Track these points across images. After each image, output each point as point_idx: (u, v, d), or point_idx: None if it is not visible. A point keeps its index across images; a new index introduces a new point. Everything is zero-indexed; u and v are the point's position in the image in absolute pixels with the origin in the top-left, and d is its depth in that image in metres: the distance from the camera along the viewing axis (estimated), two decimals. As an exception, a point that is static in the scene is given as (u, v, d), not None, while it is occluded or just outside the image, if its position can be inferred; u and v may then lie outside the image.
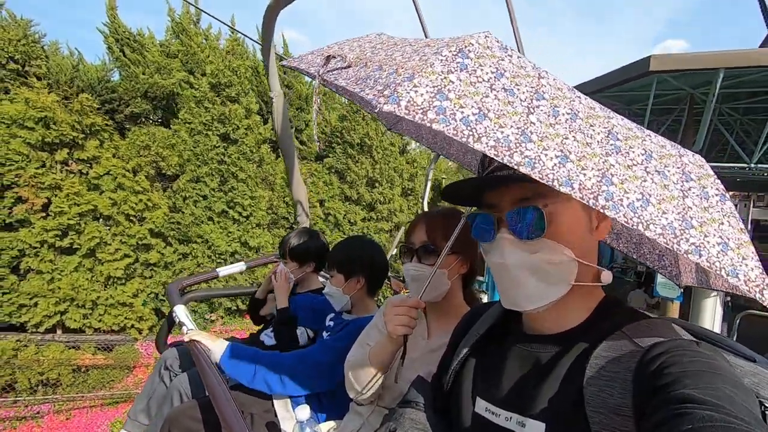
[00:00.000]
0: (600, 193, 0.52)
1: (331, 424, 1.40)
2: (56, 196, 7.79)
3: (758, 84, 8.03)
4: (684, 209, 0.57)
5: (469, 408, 0.75)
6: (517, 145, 0.53)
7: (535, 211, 0.63)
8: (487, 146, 0.52)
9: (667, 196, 0.57)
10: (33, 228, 7.67)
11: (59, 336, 8.42)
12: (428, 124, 0.54)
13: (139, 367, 8.53)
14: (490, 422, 0.69)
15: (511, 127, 0.55)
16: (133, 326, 9.12)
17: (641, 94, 9.90)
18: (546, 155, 0.53)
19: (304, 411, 1.12)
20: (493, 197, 0.70)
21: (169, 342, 2.22)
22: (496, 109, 0.56)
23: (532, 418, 0.63)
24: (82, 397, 7.69)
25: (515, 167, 0.52)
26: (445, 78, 0.57)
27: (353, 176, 13.72)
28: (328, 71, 0.94)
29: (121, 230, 8.50)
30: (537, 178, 0.51)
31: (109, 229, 8.32)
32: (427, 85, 0.56)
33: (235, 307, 11.24)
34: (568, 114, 0.60)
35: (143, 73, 10.80)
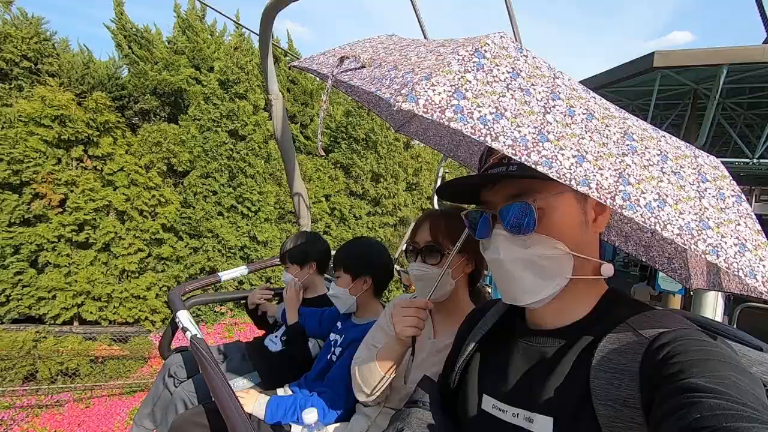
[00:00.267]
0: (617, 193, 0.52)
1: (338, 426, 1.39)
2: (72, 192, 7.99)
3: (763, 79, 8.11)
4: (700, 210, 0.57)
5: (476, 405, 0.74)
6: (534, 144, 0.54)
7: (526, 206, 0.64)
8: (505, 145, 0.53)
9: (683, 196, 0.57)
10: (50, 223, 7.88)
11: (76, 328, 8.68)
12: (446, 123, 0.54)
13: (154, 357, 8.78)
14: (498, 419, 0.69)
15: (528, 126, 0.55)
16: (146, 318, 9.37)
17: (645, 89, 10.01)
18: (563, 155, 0.54)
19: (311, 414, 1.09)
20: (488, 195, 0.71)
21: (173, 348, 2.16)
22: (512, 109, 0.56)
23: (540, 413, 0.63)
24: (100, 386, 7.96)
25: (533, 166, 0.52)
26: (462, 77, 0.58)
27: (358, 171, 13.88)
28: (342, 72, 0.94)
29: (135, 225, 8.71)
30: (554, 178, 0.52)
31: (123, 224, 8.52)
32: (444, 84, 0.56)
33: (245, 300, 11.49)
34: (584, 114, 0.60)
35: (152, 70, 10.95)
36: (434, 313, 1.20)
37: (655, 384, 0.51)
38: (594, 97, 0.65)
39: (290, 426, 1.42)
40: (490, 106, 0.55)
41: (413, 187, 15.46)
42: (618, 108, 0.68)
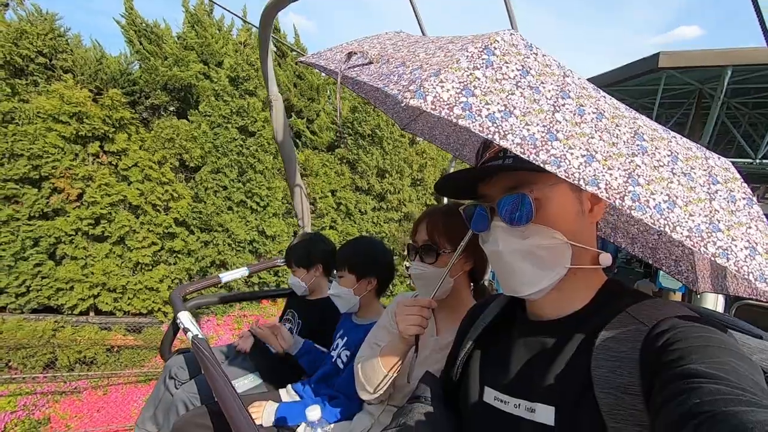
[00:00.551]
0: (626, 194, 0.52)
1: (343, 424, 1.39)
2: (89, 186, 8.22)
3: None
4: (711, 212, 0.56)
5: (478, 398, 0.75)
6: (543, 143, 0.54)
7: (522, 197, 0.65)
8: (513, 143, 0.53)
9: (693, 198, 0.57)
10: (68, 217, 8.13)
11: (92, 318, 8.96)
12: (454, 120, 0.54)
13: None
14: (500, 410, 0.70)
15: (537, 125, 0.55)
16: (159, 309, 9.66)
17: (650, 88, 10.10)
18: (572, 154, 0.53)
19: (315, 412, 1.10)
20: (486, 188, 0.71)
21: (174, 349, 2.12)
22: (521, 107, 0.56)
23: (541, 403, 0.63)
24: (116, 374, 8.26)
25: (541, 165, 0.52)
26: (471, 74, 0.58)
27: (364, 167, 14.06)
28: (350, 67, 0.94)
29: (149, 219, 8.95)
30: (563, 177, 0.52)
31: (137, 218, 8.77)
32: (453, 81, 0.56)
33: (246, 300, 11.74)
34: (594, 113, 0.60)
35: (162, 66, 11.12)
36: (437, 311, 1.19)
37: (655, 370, 0.51)
38: (604, 97, 0.65)
39: (295, 426, 1.41)
40: (498, 103, 0.55)
41: (418, 182, 15.63)
42: (628, 108, 0.67)
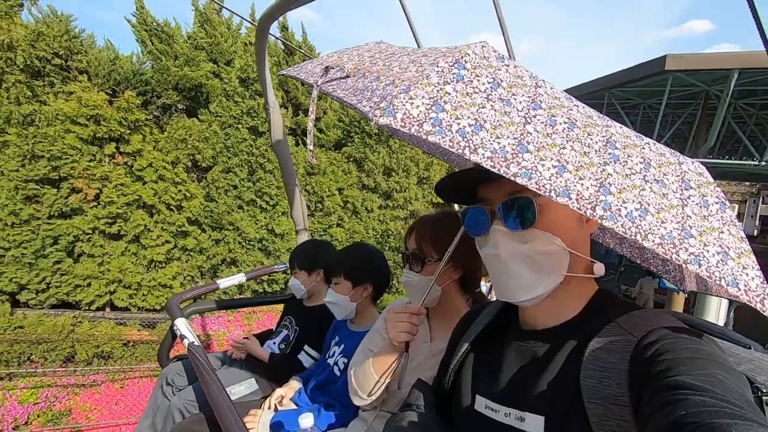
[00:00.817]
0: (598, 203, 0.53)
1: (337, 431, 1.39)
2: (105, 186, 8.45)
3: (775, 81, 8.18)
4: (683, 218, 0.56)
5: (469, 406, 0.75)
6: (514, 155, 0.54)
7: (526, 201, 0.64)
8: (484, 157, 0.53)
9: (666, 205, 0.57)
10: (86, 216, 8.37)
11: (108, 314, 9.25)
12: (424, 137, 0.54)
13: (180, 342, 9.33)
14: (490, 419, 0.70)
15: (508, 137, 0.55)
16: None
17: (657, 89, 10.16)
18: (543, 165, 0.54)
19: (308, 420, 1.10)
20: (486, 191, 0.71)
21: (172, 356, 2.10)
22: (492, 120, 0.56)
23: (531, 412, 0.63)
24: (133, 368, 8.54)
25: (512, 178, 0.52)
26: (441, 89, 0.58)
27: (371, 165, 14.21)
28: (327, 81, 0.93)
29: (163, 218, 9.18)
30: (534, 189, 0.52)
31: (151, 218, 9.00)
32: (423, 97, 0.56)
33: (262, 290, 12.03)
34: (565, 123, 0.60)
35: (174, 65, 11.30)
36: (431, 318, 1.21)
37: (643, 382, 0.51)
38: (577, 106, 0.65)
39: None
40: (469, 117, 0.56)
41: (424, 181, 15.77)
42: (601, 115, 0.68)
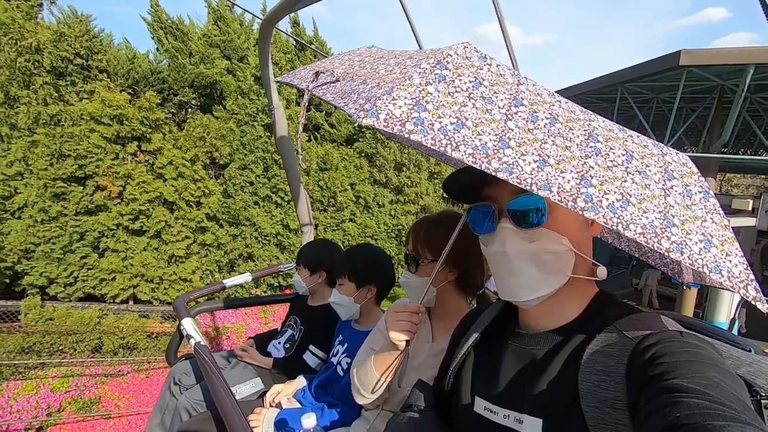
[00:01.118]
0: (579, 195, 0.53)
1: (340, 430, 1.39)
2: (128, 184, 8.72)
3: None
4: (665, 208, 0.57)
5: (469, 408, 0.75)
6: (495, 151, 0.54)
7: (538, 200, 0.64)
8: (465, 154, 0.54)
9: (647, 195, 0.57)
10: (110, 212, 8.66)
11: (131, 306, 9.58)
12: (407, 136, 0.55)
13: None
14: (489, 420, 0.70)
15: (489, 134, 0.56)
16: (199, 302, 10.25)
17: (671, 84, 10.12)
18: (524, 160, 0.54)
19: (310, 419, 1.11)
20: (493, 190, 0.72)
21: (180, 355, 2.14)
22: (474, 118, 0.57)
23: (529, 415, 0.64)
24: (157, 359, 8.87)
25: (493, 173, 0.53)
26: (423, 90, 0.59)
27: (382, 160, 14.35)
28: (317, 86, 0.95)
29: (182, 214, 9.45)
30: (515, 183, 0.53)
31: (172, 214, 9.28)
32: (405, 98, 0.57)
33: (277, 284, 12.32)
34: (547, 119, 0.61)
35: (189, 63, 11.50)
36: (433, 318, 1.21)
37: (641, 385, 0.52)
38: (559, 101, 0.66)
39: None
40: (451, 116, 0.57)
41: (435, 176, 15.88)
42: (584, 110, 0.69)
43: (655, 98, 11.94)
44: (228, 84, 11.44)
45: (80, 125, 8.11)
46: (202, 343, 1.41)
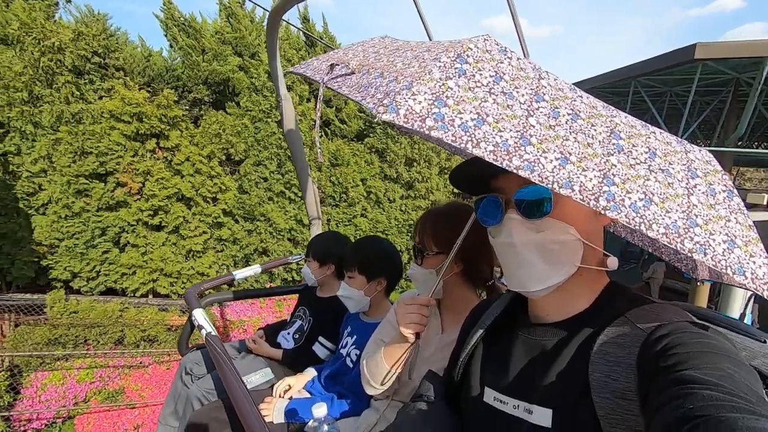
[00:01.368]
0: (601, 194, 0.52)
1: (349, 420, 1.39)
2: (148, 180, 8.90)
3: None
4: (689, 207, 0.56)
5: (478, 398, 0.75)
6: (516, 148, 0.53)
7: (542, 190, 0.64)
8: (486, 151, 0.53)
9: (671, 194, 0.56)
10: (130, 208, 8.85)
11: (151, 300, 9.80)
12: (426, 132, 0.54)
13: (218, 328, 9.88)
14: (499, 411, 0.70)
15: (510, 130, 0.55)
16: (209, 293, 10.46)
17: (684, 77, 10.04)
18: (546, 158, 0.53)
19: (321, 409, 1.12)
20: (500, 181, 0.71)
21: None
22: (495, 114, 0.56)
23: (539, 405, 0.63)
24: (176, 351, 9.09)
25: (514, 171, 0.52)
26: (443, 85, 0.58)
27: (392, 156, 14.41)
28: (332, 78, 0.94)
29: (200, 210, 9.63)
30: (536, 182, 0.52)
31: (189, 210, 9.46)
32: (425, 93, 0.56)
33: (290, 279, 12.49)
34: (569, 114, 0.59)
35: (203, 60, 11.64)
36: (443, 309, 1.21)
37: (652, 376, 0.51)
38: (581, 96, 0.65)
39: (304, 422, 1.42)
40: (471, 112, 0.56)
41: (445, 171, 15.90)
42: (606, 105, 0.67)
43: (668, 91, 11.85)
44: (240, 80, 11.56)
45: (101, 123, 8.28)
46: (213, 333, 1.42)
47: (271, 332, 2.17)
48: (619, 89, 11.73)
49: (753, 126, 12.48)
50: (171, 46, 11.88)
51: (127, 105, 8.28)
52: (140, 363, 9.01)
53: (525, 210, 0.67)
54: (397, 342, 1.05)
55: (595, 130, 0.60)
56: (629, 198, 0.53)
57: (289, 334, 2.03)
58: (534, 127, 0.57)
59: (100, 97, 8.93)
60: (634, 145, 0.60)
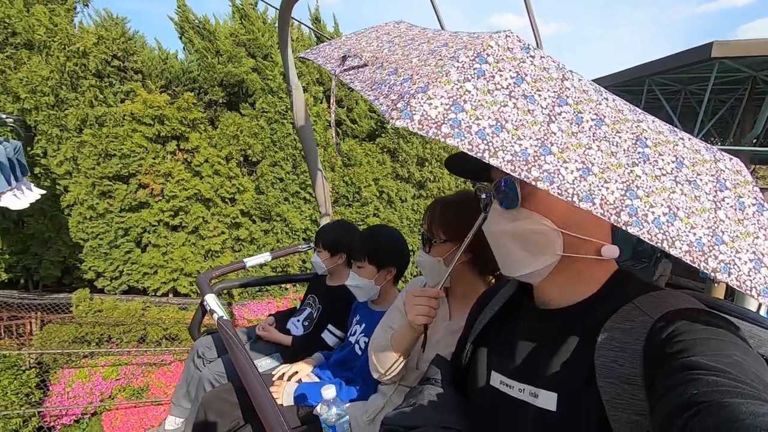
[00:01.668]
0: (623, 209, 0.50)
1: (358, 404, 1.41)
2: (168, 182, 9.06)
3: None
4: (715, 223, 0.53)
5: (485, 381, 0.76)
6: (536, 158, 0.51)
7: (510, 182, 0.66)
8: (504, 161, 0.51)
9: (697, 208, 0.54)
10: (152, 209, 9.02)
11: (171, 299, 9.99)
12: (442, 139, 0.52)
13: (236, 327, 10.02)
14: (505, 394, 0.71)
15: (530, 138, 0.53)
16: (227, 293, 10.62)
17: (699, 76, 10.01)
18: (566, 168, 0.51)
19: (330, 391, 1.11)
20: (494, 171, 0.73)
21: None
22: (514, 120, 0.54)
23: (545, 389, 0.64)
24: (197, 349, 9.27)
25: (533, 183, 0.51)
26: (461, 87, 0.55)
27: (404, 155, 14.48)
28: (344, 70, 0.92)
29: (219, 211, 9.78)
30: (555, 195, 0.50)
31: (209, 210, 9.61)
32: (442, 96, 0.54)
33: (304, 269, 12.65)
34: (593, 120, 0.57)
35: (218, 62, 11.78)
36: (450, 296, 1.22)
37: (658, 362, 0.51)
38: (606, 99, 0.62)
39: (313, 405, 1.44)
40: (489, 118, 0.54)
41: (457, 170, 15.92)
42: (633, 108, 0.65)
43: (682, 90, 11.80)
44: (253, 82, 11.69)
45: (123, 126, 8.44)
46: (225, 317, 1.44)
47: (281, 319, 2.20)
48: (633, 88, 11.70)
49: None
50: (184, 48, 12.04)
51: (149, 108, 8.44)
52: (162, 360, 9.20)
53: (500, 200, 0.70)
54: (405, 332, 1.07)
55: (620, 137, 0.57)
56: (653, 213, 0.51)
57: (298, 321, 2.05)
58: (555, 134, 0.55)
59: (122, 100, 9.09)
60: (660, 154, 0.58)
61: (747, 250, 0.53)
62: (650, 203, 0.52)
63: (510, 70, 0.59)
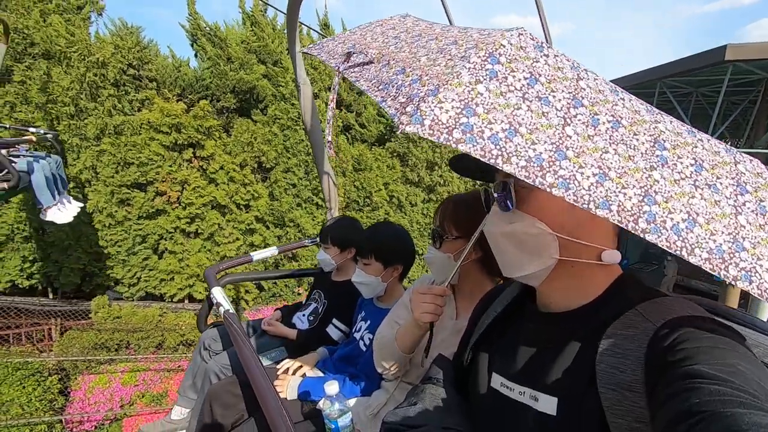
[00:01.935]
0: (641, 215, 0.49)
1: (361, 399, 1.41)
2: (185, 189, 9.15)
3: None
4: (736, 228, 0.52)
5: (486, 383, 0.76)
6: (551, 164, 0.50)
7: (505, 185, 0.66)
8: (518, 167, 0.49)
9: (717, 214, 0.52)
10: (168, 216, 9.11)
11: (187, 305, 10.08)
12: (454, 145, 0.50)
13: (249, 317, 10.09)
14: (505, 396, 0.71)
15: (545, 142, 0.51)
16: (241, 298, 10.69)
17: (712, 78, 10.00)
18: (582, 174, 0.50)
19: (333, 387, 1.12)
20: (498, 173, 0.74)
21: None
22: (528, 123, 0.52)
23: (545, 393, 0.64)
24: (213, 355, 9.35)
25: (548, 189, 0.49)
26: (473, 90, 0.54)
27: (414, 160, 14.52)
28: (349, 67, 0.89)
29: (234, 217, 9.86)
30: (571, 202, 0.49)
31: (224, 217, 9.70)
32: (453, 100, 0.52)
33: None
34: (609, 122, 0.55)
35: (230, 70, 11.89)
36: (457, 295, 1.23)
37: (660, 370, 0.50)
38: (623, 99, 0.61)
39: (316, 400, 1.44)
40: (503, 121, 0.52)
41: (466, 174, 15.93)
42: (650, 108, 0.63)
43: (694, 92, 11.78)
44: (264, 88, 11.79)
45: (140, 134, 8.54)
46: (231, 311, 1.44)
47: (287, 313, 2.23)
48: (645, 90, 11.70)
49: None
50: (196, 55, 12.17)
51: (166, 116, 8.54)
52: (179, 367, 9.28)
53: (498, 203, 0.70)
54: (410, 329, 1.08)
55: (637, 139, 0.56)
56: (671, 219, 0.50)
57: (304, 315, 2.08)
58: (571, 137, 0.53)
59: (138, 109, 9.21)
60: (679, 157, 0.56)
61: None
62: (669, 209, 0.50)
63: (523, 71, 0.57)
